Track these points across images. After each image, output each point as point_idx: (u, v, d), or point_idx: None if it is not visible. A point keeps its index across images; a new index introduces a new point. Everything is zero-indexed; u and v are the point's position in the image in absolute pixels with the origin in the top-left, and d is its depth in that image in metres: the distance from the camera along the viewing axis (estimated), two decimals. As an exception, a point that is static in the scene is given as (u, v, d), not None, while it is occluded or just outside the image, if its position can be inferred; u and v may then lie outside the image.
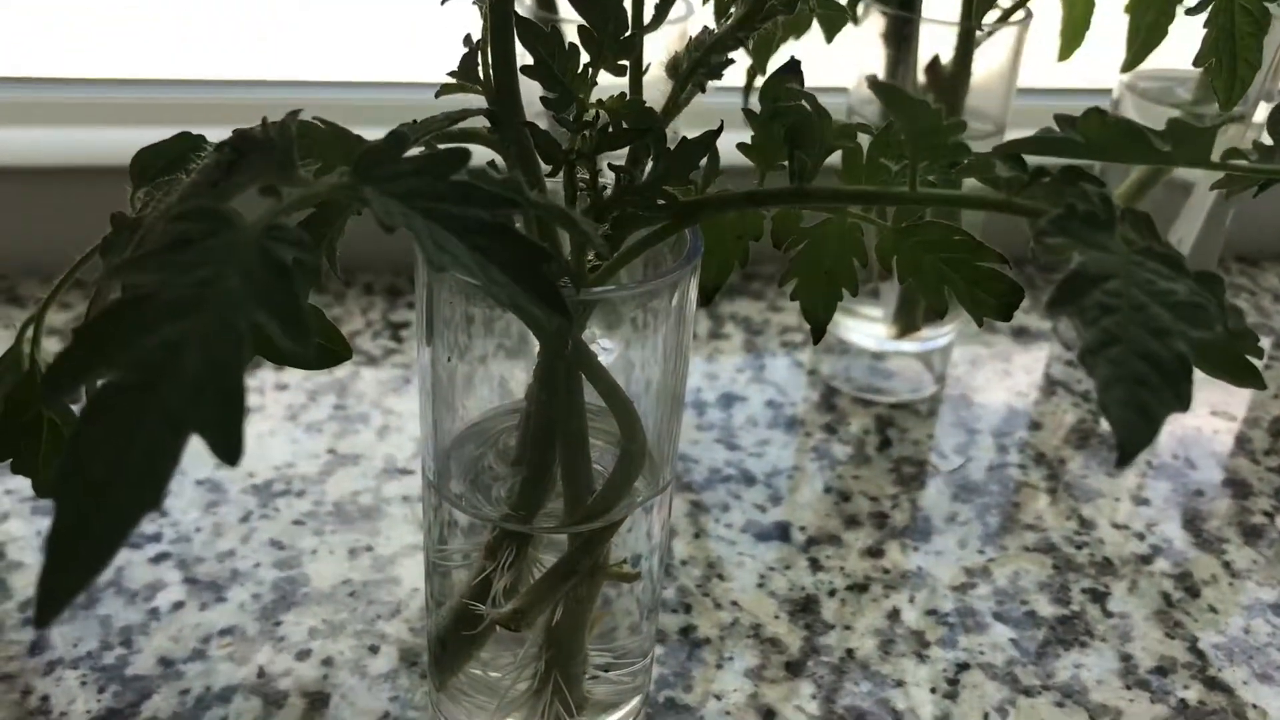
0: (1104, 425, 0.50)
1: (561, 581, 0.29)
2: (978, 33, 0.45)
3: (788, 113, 0.26)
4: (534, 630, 0.30)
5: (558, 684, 0.31)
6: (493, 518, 0.29)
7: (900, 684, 0.37)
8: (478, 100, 0.26)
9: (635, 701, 0.33)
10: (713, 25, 0.27)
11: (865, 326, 0.51)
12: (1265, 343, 0.57)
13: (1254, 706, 0.38)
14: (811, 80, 0.27)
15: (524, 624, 0.29)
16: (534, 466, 0.29)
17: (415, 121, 0.25)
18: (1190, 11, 0.36)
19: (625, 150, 0.26)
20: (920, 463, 0.47)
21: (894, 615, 0.40)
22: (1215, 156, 0.24)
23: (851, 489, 0.46)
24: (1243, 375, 0.26)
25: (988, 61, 0.45)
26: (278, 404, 0.48)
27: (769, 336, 0.55)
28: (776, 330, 0.55)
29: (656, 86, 0.27)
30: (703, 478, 0.46)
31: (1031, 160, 0.24)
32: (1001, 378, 0.53)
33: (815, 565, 0.42)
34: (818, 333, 0.31)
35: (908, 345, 0.51)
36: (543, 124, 0.26)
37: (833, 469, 0.47)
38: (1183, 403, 0.20)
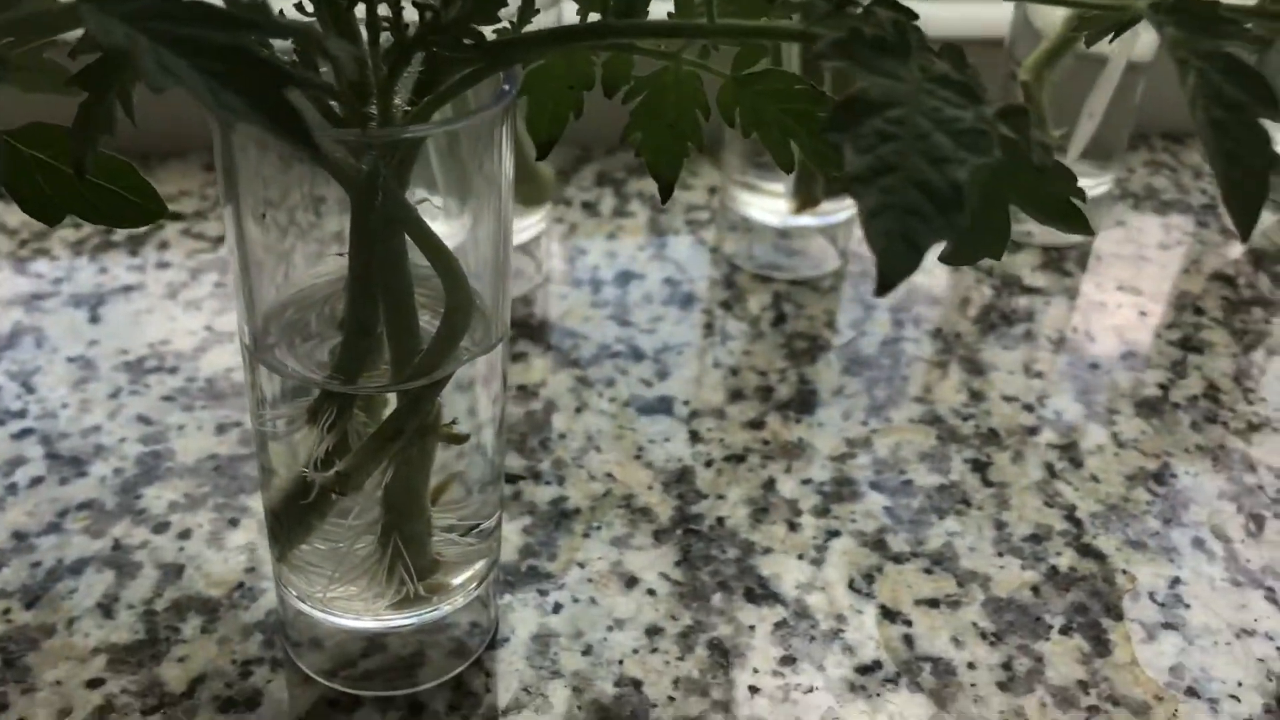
0: (1007, 301, 0.50)
1: (389, 442, 0.29)
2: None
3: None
4: (365, 494, 0.29)
5: (397, 547, 0.30)
6: (315, 380, 0.29)
7: (768, 551, 0.37)
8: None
9: (481, 565, 0.32)
10: None
11: (767, 203, 0.50)
12: (1181, 219, 0.57)
13: (1124, 572, 0.38)
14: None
15: (350, 487, 0.28)
16: (354, 325, 0.28)
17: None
18: None
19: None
20: (814, 338, 0.47)
21: (769, 485, 0.40)
22: None
23: (741, 364, 0.45)
24: (1068, 219, 0.25)
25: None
26: (158, 282, 0.47)
27: (674, 215, 0.54)
28: (683, 209, 0.54)
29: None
30: (590, 354, 0.45)
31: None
32: (908, 254, 0.52)
33: (695, 438, 0.41)
34: (665, 191, 0.30)
35: (810, 220, 0.50)
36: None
37: (724, 344, 0.46)
38: (953, 231, 0.19)
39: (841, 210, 0.50)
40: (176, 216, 0.51)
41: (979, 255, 0.25)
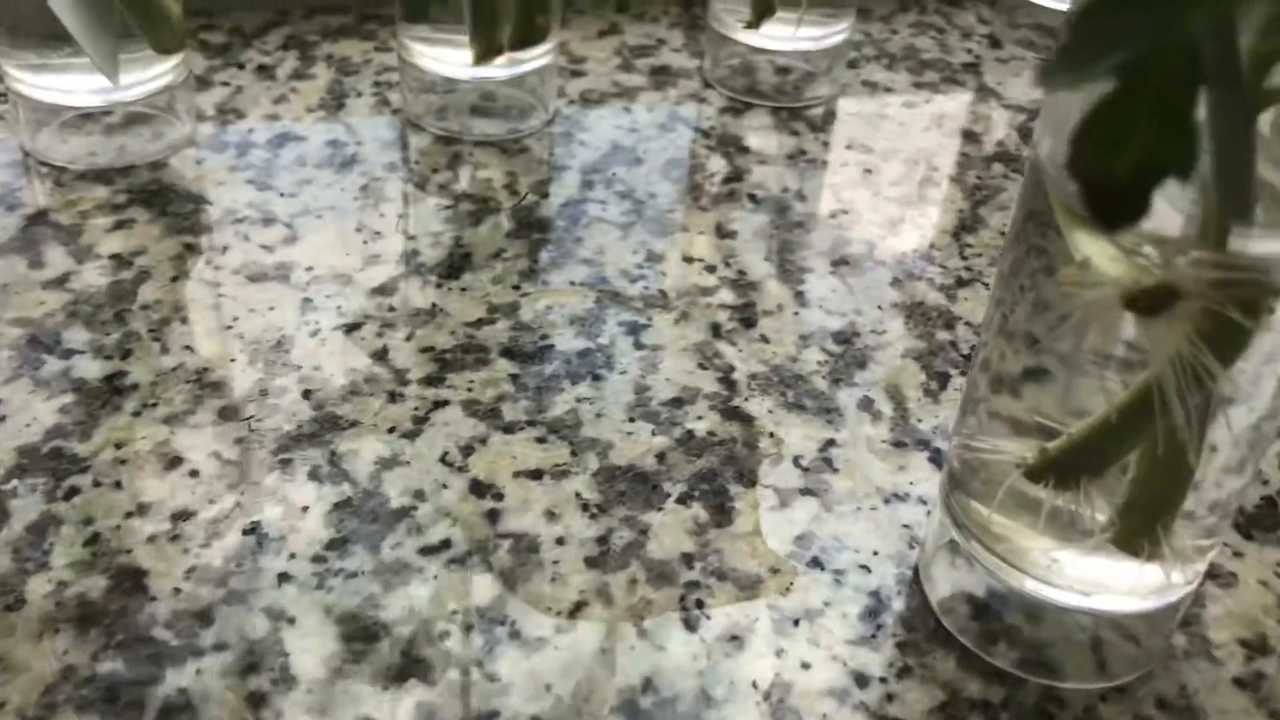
0: (719, 161, 0.45)
1: None
2: None
3: None
4: None
5: None
6: None
7: (354, 424, 0.32)
8: None
9: None
10: None
11: (449, 54, 0.44)
12: (937, 78, 0.52)
13: (770, 435, 0.33)
14: None
15: None
16: None
17: None
18: None
19: None
20: (485, 200, 0.41)
21: (380, 354, 0.34)
22: None
23: (387, 229, 0.39)
24: None
25: None
26: None
27: (362, 78, 0.48)
28: (376, 70, 0.48)
29: None
30: (212, 219, 0.39)
31: None
32: (619, 115, 0.47)
33: (307, 306, 0.36)
34: None
35: (496, 72, 0.45)
36: None
37: (376, 208, 0.40)
38: None
39: (533, 60, 0.45)
40: None
41: None
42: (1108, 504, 0.25)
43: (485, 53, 0.44)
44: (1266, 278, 0.22)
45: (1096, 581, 0.26)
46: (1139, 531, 0.26)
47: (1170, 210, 0.25)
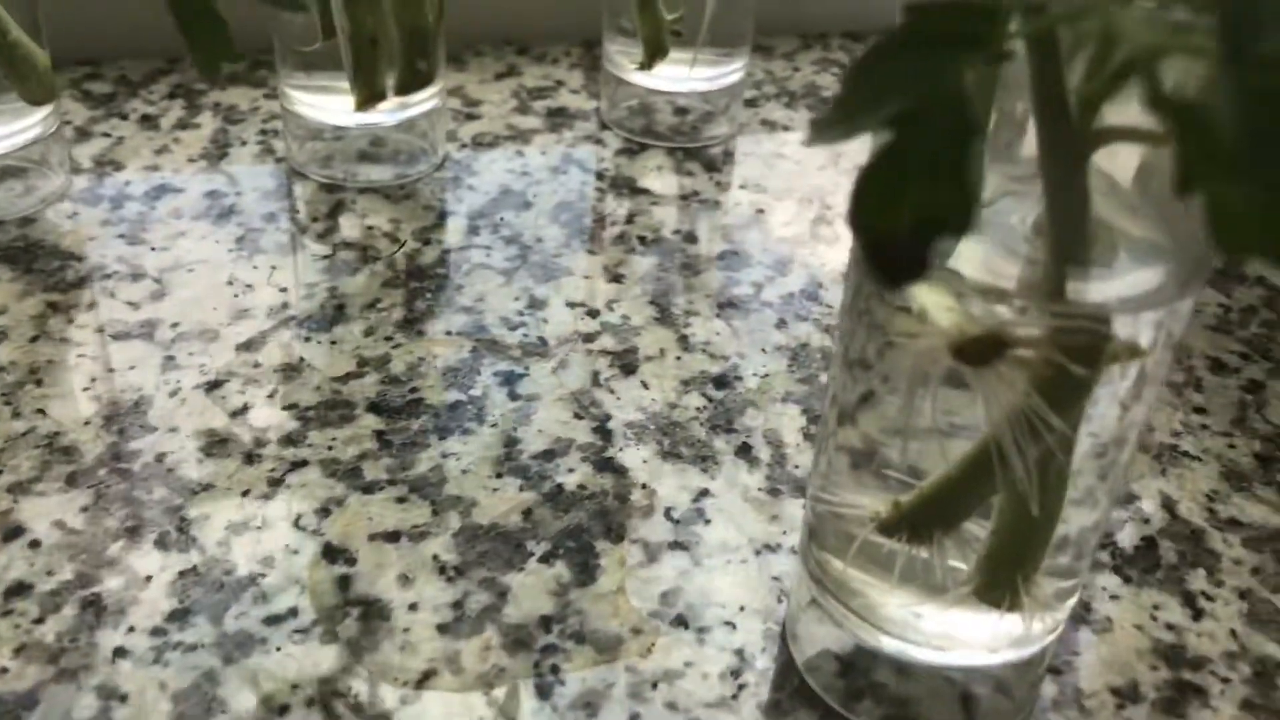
0: (610, 203, 0.44)
1: None
2: None
3: None
4: None
5: None
6: None
7: (208, 488, 0.31)
8: None
9: None
10: None
11: (330, 101, 0.43)
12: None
13: (643, 486, 0.32)
14: None
15: None
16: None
17: None
18: None
19: None
20: (365, 248, 0.40)
21: (240, 412, 0.33)
22: None
23: (258, 280, 0.38)
24: None
25: None
26: None
27: (248, 126, 0.47)
28: (264, 117, 0.47)
29: None
30: (77, 276, 0.38)
31: None
32: (511, 158, 0.46)
33: (169, 364, 0.35)
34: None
35: (383, 117, 0.44)
36: None
37: (250, 260, 0.39)
38: None
39: (419, 104, 0.44)
40: None
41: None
42: (965, 556, 0.25)
43: (367, 99, 0.43)
44: (1101, 327, 0.22)
45: (953, 636, 0.25)
46: (999, 583, 0.25)
47: (1009, 259, 0.24)
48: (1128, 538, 0.32)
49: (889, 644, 0.25)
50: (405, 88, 0.44)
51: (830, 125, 0.15)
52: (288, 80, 0.43)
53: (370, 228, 0.42)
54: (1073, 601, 0.26)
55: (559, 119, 0.49)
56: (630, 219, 0.43)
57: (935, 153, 0.15)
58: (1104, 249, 0.22)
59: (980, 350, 0.21)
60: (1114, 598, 0.30)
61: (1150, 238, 0.24)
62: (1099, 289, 0.22)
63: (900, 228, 0.15)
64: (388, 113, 0.44)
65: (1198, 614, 0.30)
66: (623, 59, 0.48)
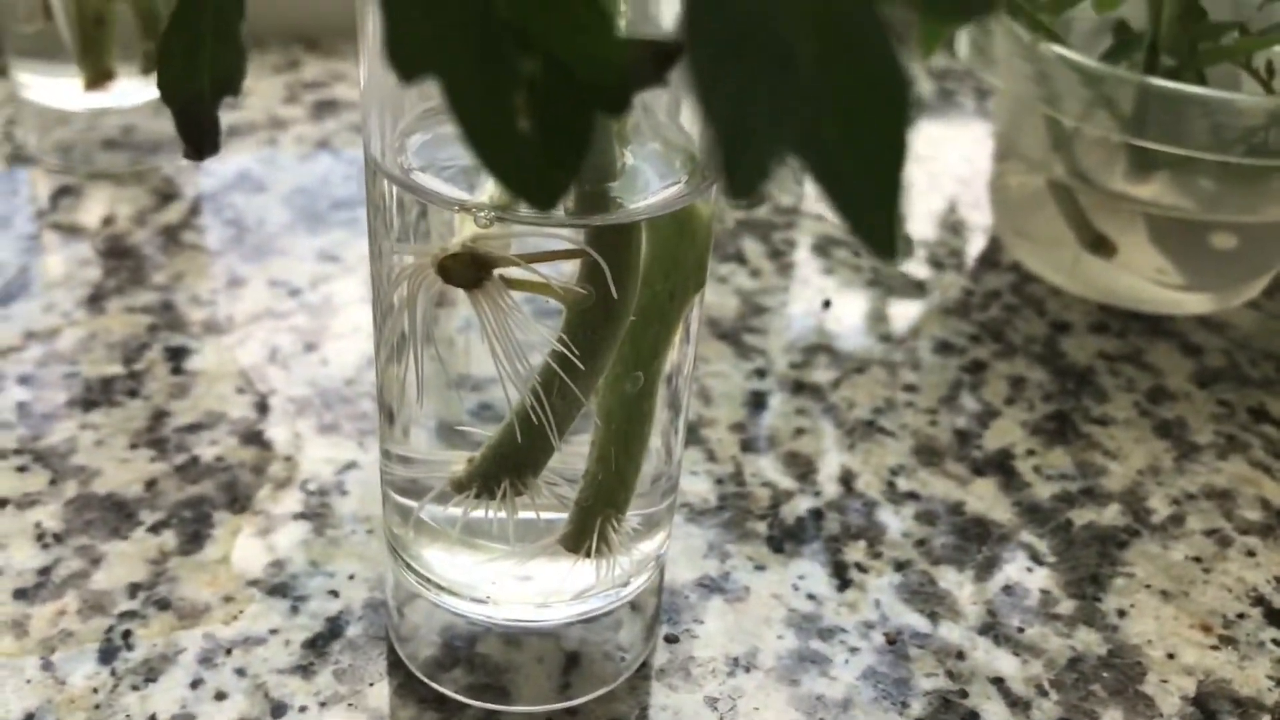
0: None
1: None
2: None
3: None
4: None
5: None
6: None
7: None
8: None
9: None
10: None
11: (52, 83, 0.42)
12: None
13: (287, 459, 0.31)
14: None
15: None
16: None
17: None
18: None
19: None
20: (76, 231, 0.39)
21: (-124, 384, 0.32)
22: None
23: (-52, 257, 0.37)
24: None
25: None
26: None
27: (-7, 113, 0.46)
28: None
29: None
30: None
31: None
32: (262, 146, 0.45)
33: None
34: None
35: (111, 101, 0.43)
36: None
37: (-54, 239, 0.38)
38: None
39: (149, 90, 0.43)
40: None
41: None
42: (551, 508, 0.23)
43: (95, 79, 0.42)
44: (574, 244, 0.20)
45: (543, 592, 0.24)
46: (587, 530, 0.24)
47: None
48: (791, 511, 0.31)
49: (471, 608, 0.24)
50: (146, 69, 0.43)
51: None
52: (17, 65, 0.42)
53: (87, 210, 0.40)
54: (656, 546, 0.25)
55: (328, 109, 0.48)
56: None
57: (220, 14, 0.14)
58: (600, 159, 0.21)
59: (462, 268, 0.20)
60: (760, 568, 0.29)
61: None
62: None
63: (202, 91, 0.14)
64: (113, 94, 0.42)
65: (844, 584, 0.29)
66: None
